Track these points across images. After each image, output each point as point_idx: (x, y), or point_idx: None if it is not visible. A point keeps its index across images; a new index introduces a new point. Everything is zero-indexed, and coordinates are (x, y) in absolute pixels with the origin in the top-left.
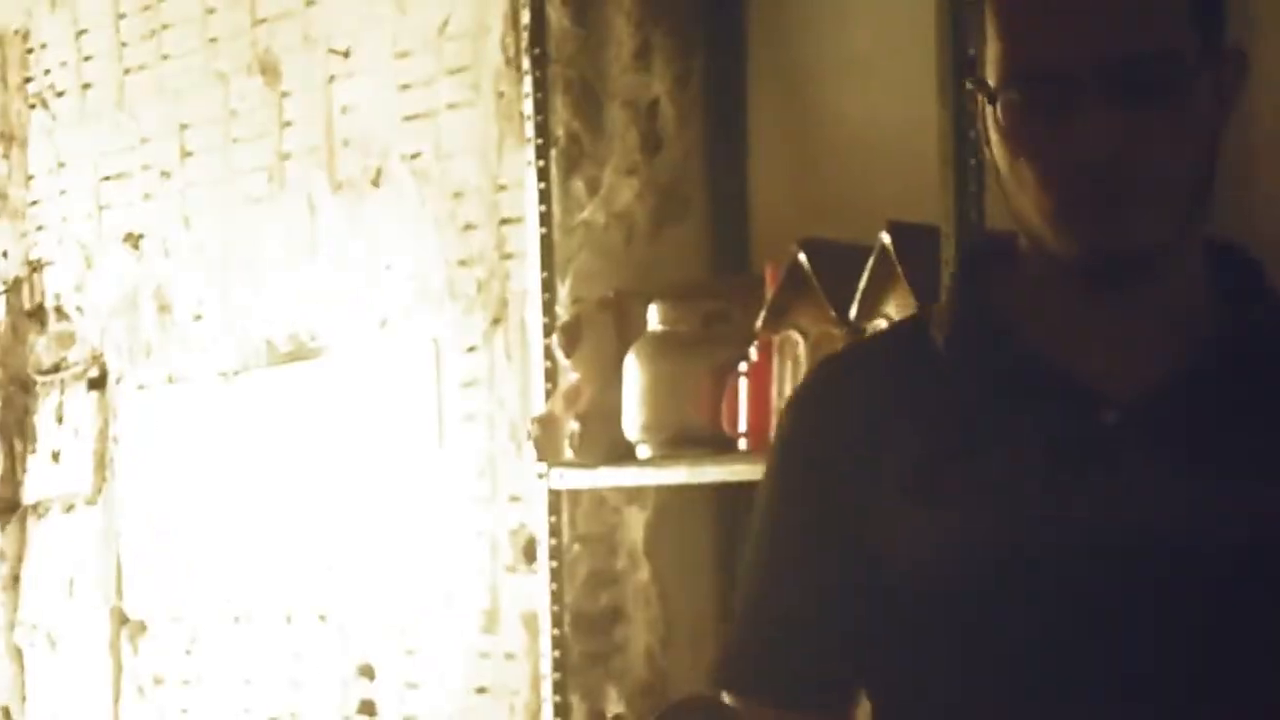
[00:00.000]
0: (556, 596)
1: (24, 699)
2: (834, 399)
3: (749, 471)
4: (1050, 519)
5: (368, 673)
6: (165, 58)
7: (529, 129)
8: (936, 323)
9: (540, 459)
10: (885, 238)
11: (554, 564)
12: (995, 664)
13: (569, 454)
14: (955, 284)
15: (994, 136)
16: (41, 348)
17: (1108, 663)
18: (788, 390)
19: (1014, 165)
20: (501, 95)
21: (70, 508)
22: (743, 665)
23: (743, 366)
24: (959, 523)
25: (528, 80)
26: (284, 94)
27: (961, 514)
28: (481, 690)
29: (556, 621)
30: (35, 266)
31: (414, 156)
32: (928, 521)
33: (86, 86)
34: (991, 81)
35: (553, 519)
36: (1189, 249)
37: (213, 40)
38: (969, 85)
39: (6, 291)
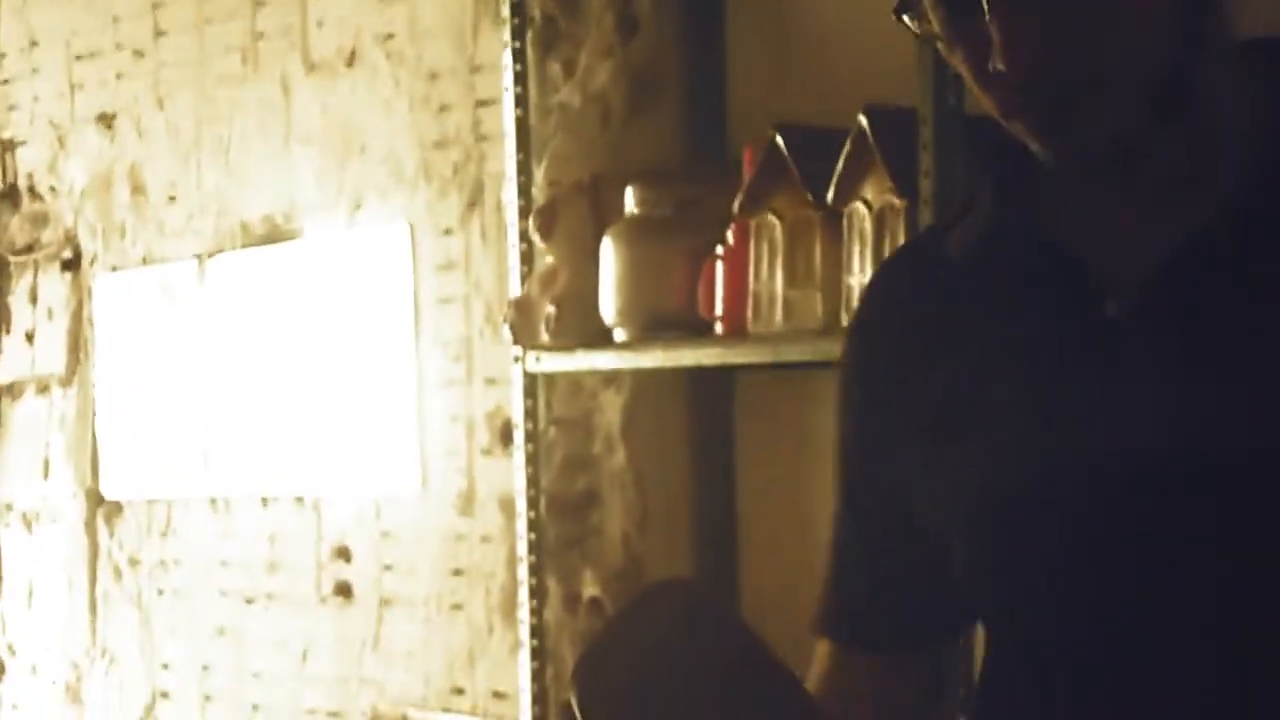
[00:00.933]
0: (532, 480)
1: (0, 580)
2: (869, 327)
3: (724, 355)
4: (1059, 432)
5: (344, 555)
6: None
7: (505, 9)
8: (959, 230)
9: (516, 342)
10: (862, 120)
11: (530, 447)
12: (1040, 583)
13: (545, 337)
14: (979, 181)
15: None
16: (15, 228)
17: (1140, 570)
18: (764, 274)
19: (957, 64)
20: None
21: (45, 389)
22: (824, 610)
23: (719, 250)
24: (978, 455)
25: None
26: None
27: (979, 445)
28: (457, 573)
29: (532, 505)
30: (7, 146)
31: (389, 37)
32: (952, 457)
33: None
34: None
35: (529, 402)
36: (1206, 96)
37: None
38: None
39: None
